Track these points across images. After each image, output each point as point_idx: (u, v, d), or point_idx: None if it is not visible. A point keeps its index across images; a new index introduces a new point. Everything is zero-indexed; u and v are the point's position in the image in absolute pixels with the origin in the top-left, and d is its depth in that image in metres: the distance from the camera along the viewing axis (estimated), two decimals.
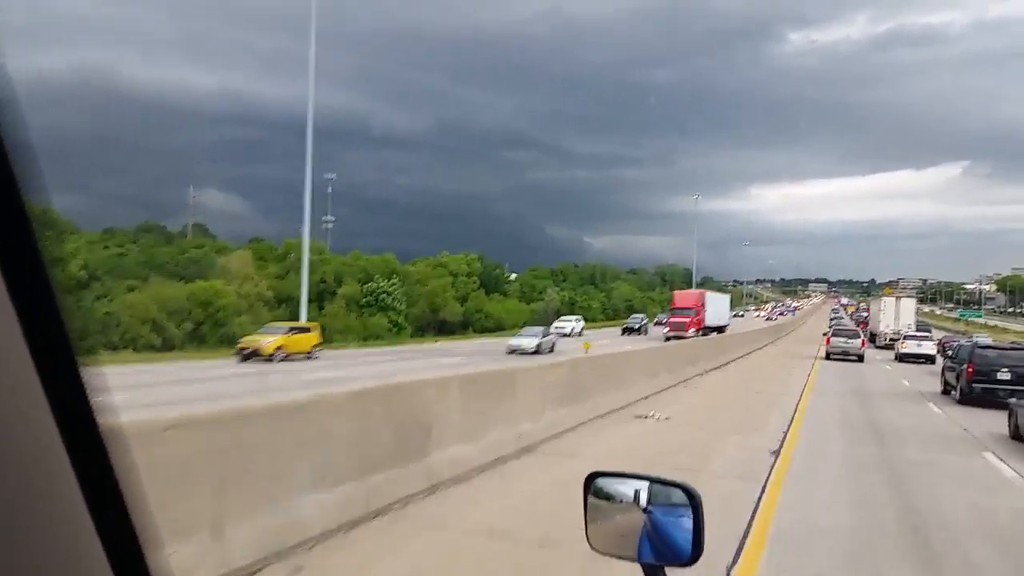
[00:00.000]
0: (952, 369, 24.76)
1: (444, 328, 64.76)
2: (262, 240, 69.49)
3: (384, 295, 58.15)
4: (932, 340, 41.47)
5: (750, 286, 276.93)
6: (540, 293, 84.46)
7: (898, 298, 58.58)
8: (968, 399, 21.72)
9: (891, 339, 50.90)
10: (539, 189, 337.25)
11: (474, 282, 72.50)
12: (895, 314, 55.11)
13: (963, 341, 29.23)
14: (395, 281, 59.36)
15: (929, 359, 38.61)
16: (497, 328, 67.53)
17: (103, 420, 0.85)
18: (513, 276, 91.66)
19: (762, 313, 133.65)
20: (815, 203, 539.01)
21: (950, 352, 29.24)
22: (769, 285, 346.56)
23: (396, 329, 57.26)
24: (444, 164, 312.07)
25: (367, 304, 56.74)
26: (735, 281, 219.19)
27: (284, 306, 50.68)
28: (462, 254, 75.74)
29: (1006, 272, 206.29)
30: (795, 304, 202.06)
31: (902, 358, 40.85)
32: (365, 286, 57.80)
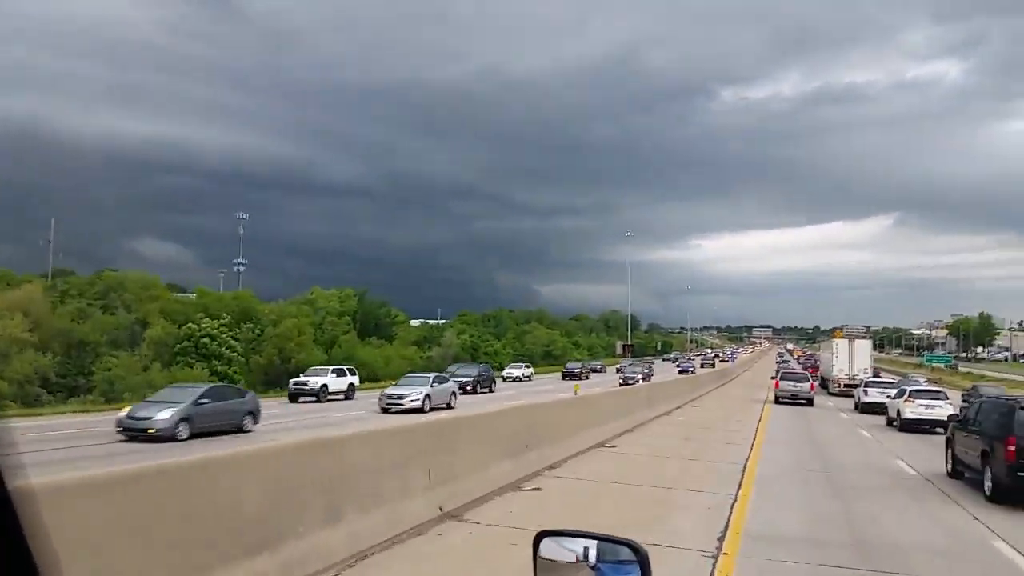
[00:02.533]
0: (971, 441, 14.93)
1: None
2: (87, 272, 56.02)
3: (207, 339, 44.98)
4: (943, 397, 28.96)
5: (695, 332, 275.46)
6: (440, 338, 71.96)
7: (852, 339, 50.94)
8: (1009, 493, 13.20)
9: (846, 385, 45.88)
10: (487, 239, 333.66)
11: (346, 323, 59.46)
12: (849, 357, 48.86)
13: (990, 397, 17.35)
14: (224, 321, 46.28)
15: (940, 425, 24.22)
16: (370, 379, 54.57)
17: (10, 476, 0.82)
18: (412, 319, 78.94)
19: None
20: (756, 253, 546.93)
21: (960, 413, 19.61)
22: (715, 332, 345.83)
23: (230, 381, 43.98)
24: (393, 215, 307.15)
25: (183, 352, 43.47)
26: (681, 328, 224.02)
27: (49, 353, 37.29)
28: (335, 290, 62.90)
29: (946, 319, 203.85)
30: (732, 349, 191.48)
31: (864, 409, 34.58)
32: (182, 328, 44.56)
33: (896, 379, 53.71)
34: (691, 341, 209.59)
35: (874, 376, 46.72)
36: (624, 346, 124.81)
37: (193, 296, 58.89)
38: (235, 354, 47.79)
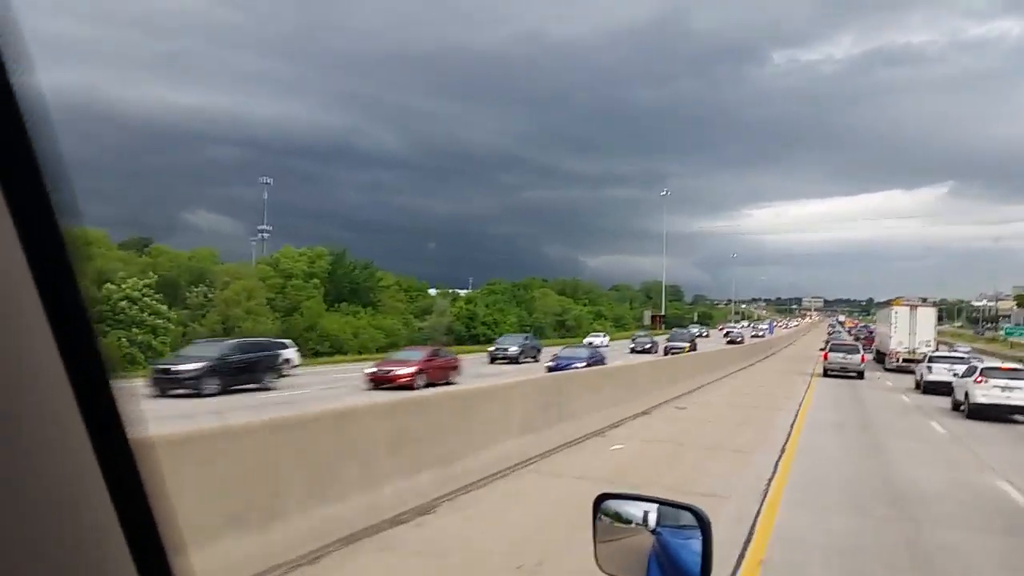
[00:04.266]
0: None
1: None
2: None
3: (125, 303, 37.35)
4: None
5: (744, 304, 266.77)
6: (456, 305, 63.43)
7: (913, 307, 43.95)
8: None
9: (906, 359, 40.86)
10: (533, 209, 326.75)
11: (315, 287, 51.37)
12: (909, 328, 42.85)
13: None
14: (149, 281, 38.58)
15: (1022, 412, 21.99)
16: (335, 352, 46.75)
17: (132, 429, 0.88)
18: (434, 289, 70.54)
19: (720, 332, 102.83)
20: (807, 223, 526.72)
21: None
22: (764, 304, 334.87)
23: (145, 354, 36.49)
24: (437, 185, 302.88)
25: (99, 318, 35.60)
26: (729, 299, 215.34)
27: None
28: (306, 248, 54.84)
29: (1007, 290, 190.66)
30: (778, 322, 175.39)
31: (928, 388, 29.44)
32: (102, 289, 36.90)
33: (968, 353, 44.80)
34: (736, 312, 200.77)
35: (953, 350, 41.59)
36: (654, 316, 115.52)
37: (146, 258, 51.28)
38: (162, 320, 39.97)
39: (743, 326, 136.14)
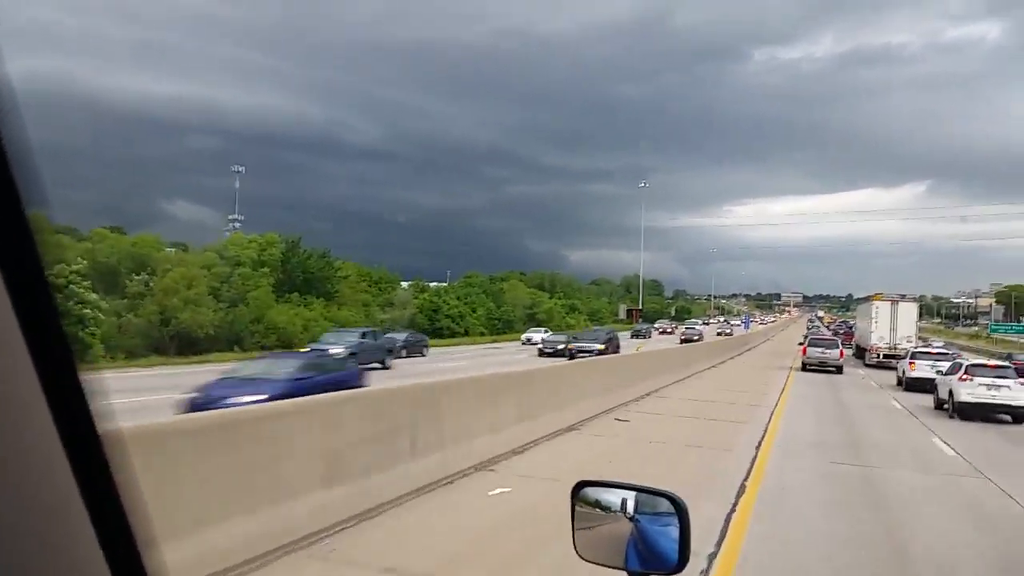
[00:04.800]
0: None
1: (186, 346, 40.97)
2: None
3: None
4: (1012, 374, 21.82)
5: (724, 300, 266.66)
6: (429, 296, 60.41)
7: (894, 302, 42.96)
8: None
9: (886, 355, 40.34)
10: (517, 203, 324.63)
11: (264, 276, 48.25)
12: (890, 323, 41.94)
13: None
14: (78, 268, 35.46)
15: (1010, 412, 20.95)
16: (283, 345, 43.72)
17: (101, 423, 0.89)
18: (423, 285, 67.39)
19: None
20: (788, 220, 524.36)
21: None
22: (744, 299, 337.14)
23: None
24: (422, 178, 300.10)
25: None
26: (709, 295, 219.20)
27: None
28: (256, 235, 51.70)
29: (984, 288, 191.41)
30: (756, 318, 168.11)
31: (910, 385, 28.53)
32: None
33: (951, 350, 43.24)
34: (715, 307, 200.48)
35: (924, 345, 39.86)
36: (630, 311, 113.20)
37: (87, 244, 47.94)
38: (90, 310, 36.76)
39: (718, 321, 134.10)
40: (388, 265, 70.50)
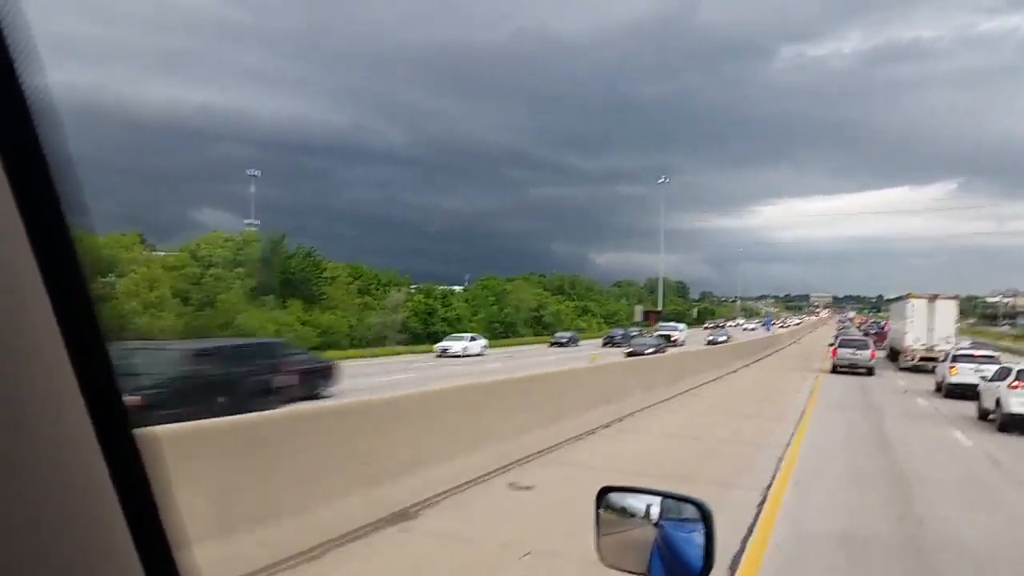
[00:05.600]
0: None
1: None
2: None
3: None
4: None
5: (752, 301, 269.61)
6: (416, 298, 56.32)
7: (932, 300, 39.56)
8: None
9: (923, 357, 37.47)
10: (541, 206, 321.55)
11: (239, 277, 44.51)
12: (927, 323, 38.75)
13: None
14: None
15: None
16: None
17: (135, 424, 0.91)
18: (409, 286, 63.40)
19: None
20: (816, 220, 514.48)
21: None
22: (772, 300, 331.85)
23: None
24: (445, 182, 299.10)
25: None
26: (736, 297, 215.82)
27: None
28: (234, 233, 48.03)
29: (1021, 287, 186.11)
30: (779, 320, 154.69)
31: (951, 392, 25.25)
32: None
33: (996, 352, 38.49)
34: (741, 309, 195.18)
35: (967, 347, 36.29)
36: (648, 312, 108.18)
37: None
38: None
39: (740, 324, 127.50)
40: (409, 269, 67.58)
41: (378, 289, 61.12)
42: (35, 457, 0.75)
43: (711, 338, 60.43)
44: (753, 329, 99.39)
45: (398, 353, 45.35)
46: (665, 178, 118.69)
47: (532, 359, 39.16)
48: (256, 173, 79.77)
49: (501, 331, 60.49)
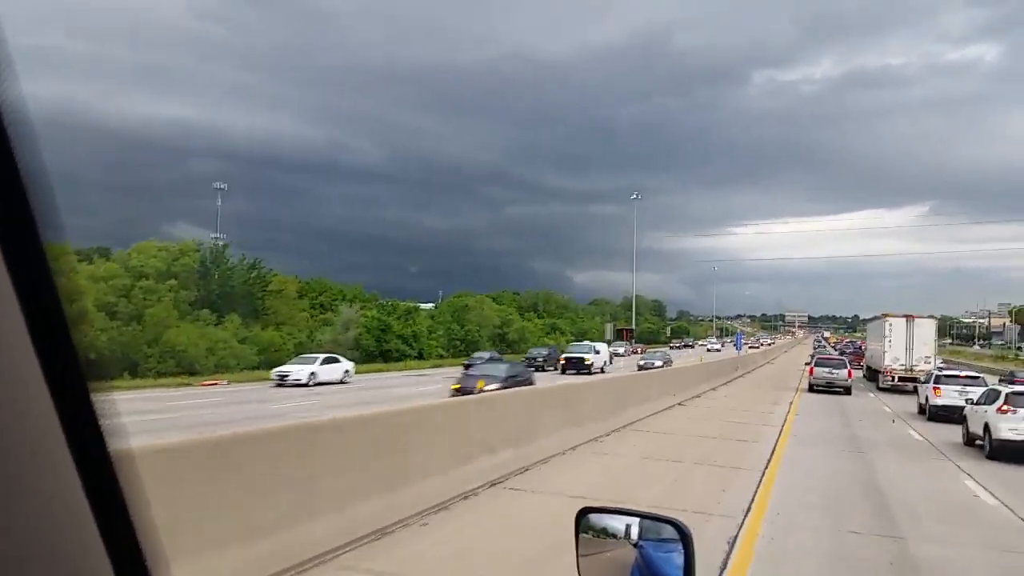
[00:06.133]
0: None
1: None
2: None
3: None
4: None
5: (728, 320, 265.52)
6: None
7: (910, 319, 38.90)
8: None
9: (902, 378, 37.09)
10: (520, 224, 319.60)
11: (172, 290, 41.21)
12: (906, 342, 38.02)
13: None
14: None
15: None
16: (184, 372, 36.81)
17: (112, 442, 0.90)
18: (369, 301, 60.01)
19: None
20: (791, 241, 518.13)
21: None
22: (748, 320, 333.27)
23: None
24: (425, 200, 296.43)
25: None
26: (713, 316, 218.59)
27: None
28: (155, 241, 44.72)
29: (993, 308, 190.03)
30: (752, 341, 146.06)
31: (935, 414, 23.88)
32: None
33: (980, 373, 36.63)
34: (716, 328, 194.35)
35: (945, 368, 33.74)
36: (622, 330, 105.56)
37: None
38: None
39: (705, 343, 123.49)
40: (389, 286, 64.82)
41: (342, 305, 58.05)
42: (10, 475, 0.73)
43: (643, 362, 46.82)
44: (718, 349, 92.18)
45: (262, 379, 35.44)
46: (637, 195, 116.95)
47: (405, 389, 28.85)
48: (223, 186, 77.28)
49: (462, 349, 57.39)
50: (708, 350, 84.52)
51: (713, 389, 29.32)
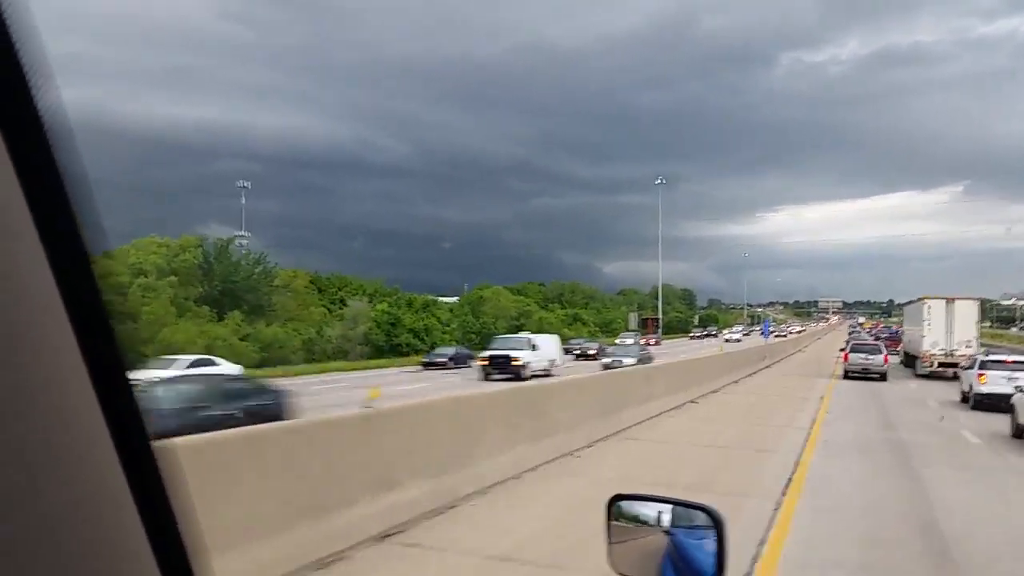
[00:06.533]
0: None
1: None
2: None
3: None
4: None
5: (760, 308, 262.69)
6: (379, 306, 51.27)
7: (950, 301, 36.57)
8: None
9: (942, 363, 35.10)
10: (547, 216, 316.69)
11: (172, 286, 39.70)
12: (946, 325, 35.96)
13: None
14: None
15: None
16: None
17: (152, 434, 0.92)
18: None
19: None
20: (822, 225, 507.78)
21: None
22: (781, 307, 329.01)
23: None
24: (451, 194, 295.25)
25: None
26: (744, 304, 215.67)
27: None
28: (155, 237, 43.20)
29: None
30: (779, 328, 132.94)
31: (979, 403, 22.04)
32: None
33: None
34: (747, 316, 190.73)
35: (990, 351, 30.85)
36: (646, 320, 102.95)
37: None
38: None
39: (728, 333, 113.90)
40: (417, 280, 63.16)
41: (360, 300, 56.37)
42: (55, 469, 0.75)
43: (608, 361, 36.60)
44: (738, 340, 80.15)
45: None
46: (662, 179, 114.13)
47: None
48: (246, 184, 77.29)
49: (476, 342, 55.36)
50: (727, 340, 74.62)
51: (735, 382, 26.81)
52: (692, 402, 19.38)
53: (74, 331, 0.77)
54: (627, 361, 33.67)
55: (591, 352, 47.98)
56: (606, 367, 31.91)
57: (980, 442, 15.72)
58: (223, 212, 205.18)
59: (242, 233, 75.08)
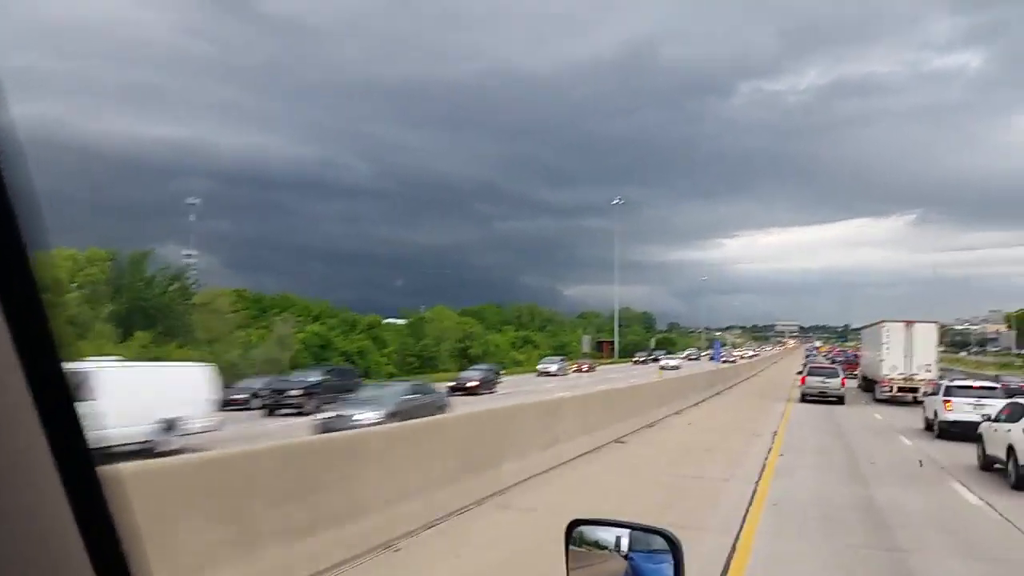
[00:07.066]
0: None
1: None
2: None
3: None
4: None
5: (719, 332, 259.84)
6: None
7: (909, 324, 35.63)
8: None
9: (901, 388, 34.14)
10: (510, 239, 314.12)
11: (73, 304, 35.88)
12: (905, 348, 34.91)
13: None
14: None
15: None
16: None
17: (98, 460, 0.90)
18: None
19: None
20: (780, 251, 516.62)
21: None
22: (739, 331, 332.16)
23: None
24: (415, 216, 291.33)
25: None
26: (703, 327, 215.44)
27: None
28: (72, 251, 39.42)
29: (983, 314, 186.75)
30: (736, 349, 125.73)
31: (945, 431, 21.20)
32: None
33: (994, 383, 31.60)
34: (706, 340, 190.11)
35: (956, 376, 33.80)
36: (601, 343, 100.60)
37: None
38: None
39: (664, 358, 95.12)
40: (377, 302, 59.46)
41: (303, 321, 52.87)
42: None
43: (327, 416, 19.19)
44: (676, 367, 65.38)
45: None
46: (619, 199, 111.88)
47: None
48: (195, 201, 73.24)
49: (416, 366, 52.04)
50: (662, 368, 62.55)
51: (677, 413, 23.76)
52: (618, 441, 16.27)
53: (17, 354, 0.74)
54: (361, 417, 17.71)
55: (470, 384, 37.60)
56: (326, 428, 16.60)
57: (967, 492, 13.02)
58: (182, 231, 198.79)
59: (189, 251, 71.42)
